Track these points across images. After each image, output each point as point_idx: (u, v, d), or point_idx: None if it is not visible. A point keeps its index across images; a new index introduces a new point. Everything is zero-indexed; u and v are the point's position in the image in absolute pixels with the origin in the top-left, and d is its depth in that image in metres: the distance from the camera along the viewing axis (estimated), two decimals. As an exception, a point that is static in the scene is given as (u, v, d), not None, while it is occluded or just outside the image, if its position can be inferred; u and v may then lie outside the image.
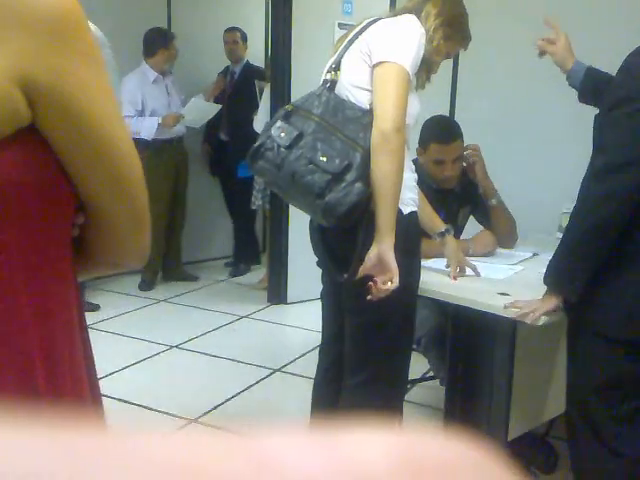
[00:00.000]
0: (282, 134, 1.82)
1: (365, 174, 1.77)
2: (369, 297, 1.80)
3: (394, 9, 2.72)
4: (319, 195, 1.76)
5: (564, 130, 3.22)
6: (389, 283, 1.78)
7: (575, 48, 2.08)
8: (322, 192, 1.76)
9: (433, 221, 2.21)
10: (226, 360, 3.48)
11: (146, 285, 4.67)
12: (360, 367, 2.02)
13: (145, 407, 2.91)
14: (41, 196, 0.66)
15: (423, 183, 2.20)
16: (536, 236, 2.86)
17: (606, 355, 1.79)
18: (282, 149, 1.81)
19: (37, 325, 0.67)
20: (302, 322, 4.07)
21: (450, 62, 3.21)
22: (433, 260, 2.31)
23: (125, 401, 2.93)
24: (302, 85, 3.10)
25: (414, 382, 3.01)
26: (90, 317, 3.86)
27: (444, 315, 2.37)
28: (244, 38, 5.06)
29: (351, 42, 1.91)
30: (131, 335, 3.78)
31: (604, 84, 1.87)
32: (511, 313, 1.92)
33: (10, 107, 0.62)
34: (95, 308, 4.14)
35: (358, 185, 1.76)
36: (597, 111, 1.82)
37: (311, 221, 2.04)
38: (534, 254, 2.59)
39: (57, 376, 0.69)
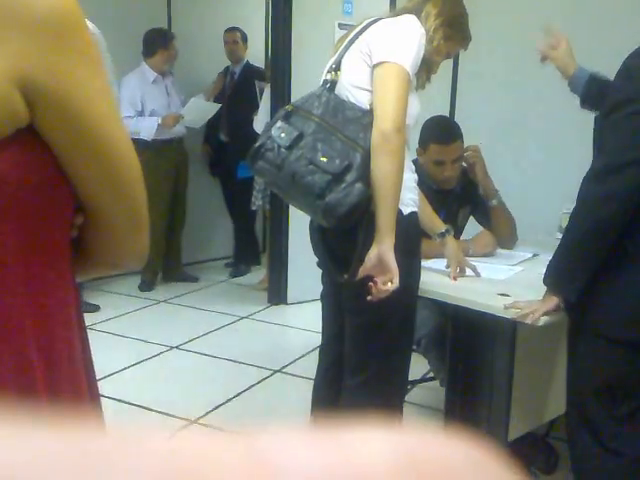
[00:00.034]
0: (282, 134, 1.82)
1: (365, 174, 1.77)
2: (369, 297, 1.80)
3: (394, 9, 2.72)
4: (319, 196, 1.76)
5: (564, 130, 3.22)
6: (389, 284, 1.78)
7: (575, 49, 2.08)
8: (322, 193, 1.76)
9: (433, 222, 2.21)
10: (226, 361, 3.48)
11: (146, 286, 4.67)
12: (360, 367, 2.02)
13: (145, 408, 2.91)
14: (40, 196, 0.66)
15: (423, 184, 2.20)
16: (536, 237, 2.86)
17: (607, 356, 1.79)
18: (282, 149, 1.81)
19: (36, 325, 0.67)
20: (302, 323, 4.07)
21: (450, 62, 3.21)
22: (433, 261, 2.31)
23: (125, 402, 2.93)
24: (302, 85, 3.10)
25: (414, 383, 3.01)
26: (90, 318, 3.86)
27: (444, 316, 2.37)
28: (244, 38, 5.06)
29: (351, 42, 1.91)
30: (131, 336, 3.78)
31: (608, 90, 1.87)
32: (511, 314, 1.92)
33: (9, 108, 0.62)
34: (95, 309, 4.14)
35: (358, 186, 1.76)
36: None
37: (311, 221, 2.04)
38: (534, 255, 2.59)
39: (55, 376, 0.69)
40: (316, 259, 2.08)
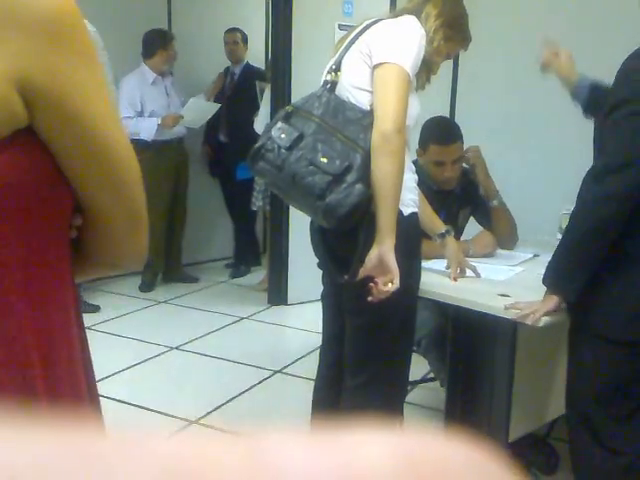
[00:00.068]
0: (282, 135, 1.82)
1: (366, 175, 1.76)
2: (370, 298, 1.80)
3: (394, 10, 2.72)
4: (320, 196, 1.76)
5: (565, 131, 3.22)
6: (390, 284, 1.78)
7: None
8: (323, 193, 1.76)
9: (433, 222, 2.21)
10: (226, 361, 3.48)
11: (146, 286, 4.67)
12: (360, 368, 2.02)
13: (145, 408, 2.91)
14: (39, 197, 0.66)
15: (423, 184, 2.20)
16: (536, 237, 2.86)
17: (607, 356, 1.79)
18: (283, 150, 1.81)
19: (35, 325, 0.67)
20: (302, 323, 4.07)
21: (450, 63, 3.21)
22: (433, 261, 2.31)
23: (125, 402, 2.93)
24: (302, 86, 3.10)
25: (414, 384, 3.01)
26: (90, 318, 3.86)
27: (444, 316, 2.37)
28: (244, 39, 5.06)
29: (351, 43, 1.91)
30: (131, 336, 3.78)
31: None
32: (511, 314, 1.92)
33: (8, 109, 0.62)
34: (95, 309, 4.14)
35: (359, 186, 1.76)
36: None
37: (311, 222, 2.04)
38: (534, 255, 2.59)
39: (55, 376, 0.69)
40: (316, 260, 2.08)
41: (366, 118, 1.80)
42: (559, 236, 2.22)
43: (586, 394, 1.85)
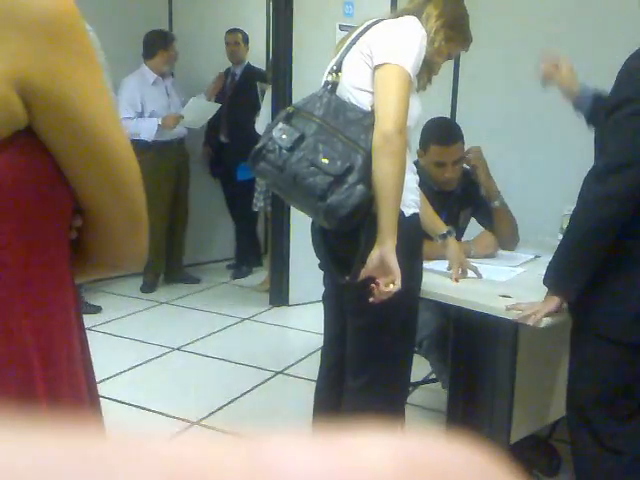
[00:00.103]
0: (284, 136, 1.82)
1: (367, 176, 1.76)
2: (371, 299, 1.80)
3: (395, 11, 2.72)
4: (321, 197, 1.76)
5: (565, 132, 3.22)
6: (391, 285, 1.78)
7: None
8: (324, 194, 1.76)
9: (435, 223, 2.21)
10: (228, 362, 3.48)
11: (148, 287, 4.67)
12: (362, 369, 2.01)
13: (146, 409, 2.91)
14: (39, 198, 0.66)
15: (424, 185, 2.20)
16: (538, 238, 2.86)
17: (609, 357, 1.79)
18: (284, 151, 1.81)
19: (35, 325, 0.67)
20: (304, 324, 4.06)
21: (451, 63, 3.21)
22: (435, 262, 2.31)
23: (127, 403, 2.93)
24: (303, 87, 3.10)
25: (416, 385, 3.01)
26: (92, 319, 3.87)
27: (446, 317, 2.36)
28: (245, 40, 5.06)
29: (352, 44, 1.91)
30: (132, 337, 3.79)
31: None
32: (513, 315, 1.92)
33: (7, 110, 0.62)
34: (97, 310, 4.14)
35: (360, 187, 1.76)
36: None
37: (313, 223, 2.04)
38: (536, 256, 2.59)
39: (55, 377, 0.69)
40: (318, 261, 2.08)
41: (367, 119, 1.80)
42: (560, 237, 2.22)
43: (587, 394, 1.85)
